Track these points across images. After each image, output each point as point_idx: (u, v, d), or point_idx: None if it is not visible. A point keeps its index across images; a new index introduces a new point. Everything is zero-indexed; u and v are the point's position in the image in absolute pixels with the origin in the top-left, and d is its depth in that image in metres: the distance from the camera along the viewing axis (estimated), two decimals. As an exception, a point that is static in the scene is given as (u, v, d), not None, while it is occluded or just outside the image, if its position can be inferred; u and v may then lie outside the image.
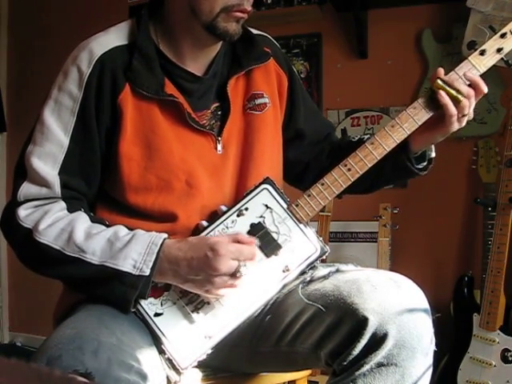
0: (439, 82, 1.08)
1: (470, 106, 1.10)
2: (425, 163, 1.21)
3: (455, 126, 1.11)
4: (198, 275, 1.00)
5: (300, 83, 1.30)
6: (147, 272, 0.99)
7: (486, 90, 1.10)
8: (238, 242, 1.02)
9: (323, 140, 1.32)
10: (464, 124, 1.13)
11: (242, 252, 1.00)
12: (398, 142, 1.10)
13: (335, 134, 1.37)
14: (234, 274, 1.00)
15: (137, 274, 0.99)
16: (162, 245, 1.01)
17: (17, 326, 3.29)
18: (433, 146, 1.20)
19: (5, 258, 3.27)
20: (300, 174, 1.32)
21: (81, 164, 1.08)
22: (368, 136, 1.25)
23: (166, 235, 1.03)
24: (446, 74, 1.10)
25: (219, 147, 1.13)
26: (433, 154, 1.21)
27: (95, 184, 1.11)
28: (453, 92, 1.07)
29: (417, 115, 1.10)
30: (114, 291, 1.00)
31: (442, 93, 1.08)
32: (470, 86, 1.09)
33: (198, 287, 1.02)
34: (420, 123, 1.10)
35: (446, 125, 1.11)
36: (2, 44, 3.30)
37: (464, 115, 1.10)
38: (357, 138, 1.29)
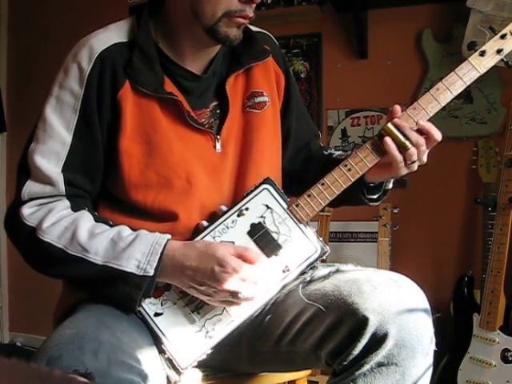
0: (389, 125, 1.05)
1: (420, 154, 1.06)
2: (380, 193, 1.19)
3: (403, 171, 1.08)
4: (200, 285, 1.00)
5: (295, 85, 1.30)
6: (151, 272, 0.99)
7: (439, 138, 1.06)
8: (244, 257, 1.01)
9: (303, 147, 1.32)
10: (415, 169, 1.09)
11: (248, 276, 0.99)
12: (370, 166, 1.08)
13: (318, 141, 1.36)
14: (235, 293, 0.99)
15: (141, 274, 0.99)
16: (165, 245, 1.01)
17: (17, 326, 3.29)
18: (391, 179, 1.18)
19: (5, 258, 3.27)
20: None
21: (84, 161, 1.08)
22: (340, 152, 1.24)
23: (169, 236, 1.03)
24: (446, 74, 1.09)
25: (218, 146, 1.13)
26: (389, 186, 1.20)
27: (98, 181, 1.11)
28: (401, 138, 1.05)
29: (417, 116, 1.09)
30: (118, 291, 1.00)
31: (387, 139, 1.05)
32: (419, 132, 1.06)
33: (201, 295, 1.02)
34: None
35: (393, 169, 1.08)
36: (2, 44, 3.30)
37: (413, 162, 1.07)
38: (328, 152, 1.26)
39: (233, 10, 1.05)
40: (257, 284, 1.01)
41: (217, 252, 1.00)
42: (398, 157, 1.05)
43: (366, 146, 1.08)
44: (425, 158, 1.08)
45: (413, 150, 1.05)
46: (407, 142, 1.05)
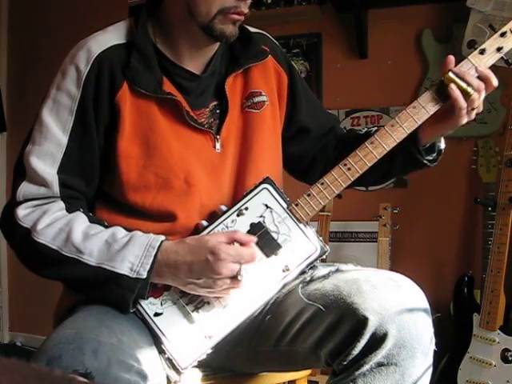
0: (450, 74, 1.08)
1: (479, 100, 1.09)
2: (434, 154, 1.20)
3: (464, 119, 1.11)
4: (199, 279, 1.00)
5: (301, 79, 1.30)
6: (144, 275, 0.99)
7: (496, 83, 1.09)
8: (236, 240, 1.02)
9: (327, 133, 1.32)
10: (473, 117, 1.13)
11: (242, 255, 1.00)
12: (398, 141, 1.10)
13: (340, 126, 1.38)
14: (235, 277, 1.00)
15: (134, 276, 0.99)
16: (159, 247, 1.01)
17: (17, 326, 3.29)
18: (442, 138, 1.20)
19: (5, 258, 3.27)
20: (306, 168, 1.32)
21: (80, 163, 1.08)
22: (376, 128, 1.25)
23: (163, 237, 1.03)
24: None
25: (218, 146, 1.13)
26: (442, 146, 1.21)
27: (94, 183, 1.11)
28: (463, 85, 1.07)
29: (416, 114, 1.09)
30: (111, 293, 1.00)
31: (453, 86, 1.07)
32: (480, 78, 1.09)
33: (200, 290, 1.02)
34: (420, 122, 1.10)
35: (455, 118, 1.10)
36: (2, 44, 3.30)
37: (473, 108, 1.10)
38: (364, 131, 1.29)
39: (227, 6, 1.06)
40: (254, 260, 1.01)
41: (208, 242, 1.01)
42: (463, 102, 1.08)
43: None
44: (481, 106, 1.12)
45: (475, 95, 1.08)
46: (469, 88, 1.07)
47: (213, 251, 0.99)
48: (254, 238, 1.05)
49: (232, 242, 1.01)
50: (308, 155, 1.31)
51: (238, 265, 0.99)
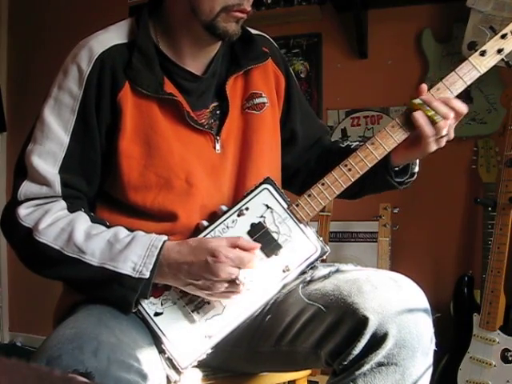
0: (417, 100, 1.06)
1: (450, 127, 1.07)
2: (406, 176, 1.20)
3: (432, 147, 1.09)
4: (197, 280, 1.00)
5: (297, 85, 1.30)
6: (147, 275, 0.99)
7: (465, 111, 1.07)
8: (239, 246, 1.01)
9: (314, 144, 1.32)
10: (443, 144, 1.10)
11: (242, 260, 1.00)
12: (399, 142, 1.09)
13: (328, 137, 1.37)
14: (233, 281, 1.00)
15: (136, 276, 0.99)
16: (161, 247, 1.01)
17: (17, 326, 3.29)
18: (417, 161, 1.19)
19: (5, 258, 3.27)
20: (289, 178, 1.32)
21: (81, 162, 1.08)
22: (357, 143, 1.25)
23: (165, 237, 1.03)
24: (446, 74, 1.09)
25: (218, 146, 1.13)
26: (416, 169, 1.20)
27: (96, 182, 1.11)
28: (429, 113, 1.05)
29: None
30: (113, 293, 1.00)
31: (418, 113, 1.05)
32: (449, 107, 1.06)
33: (199, 291, 1.02)
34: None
35: (422, 145, 1.08)
36: (1, 44, 3.30)
37: (442, 136, 1.08)
38: (345, 144, 1.28)
39: (230, 4, 1.06)
40: (252, 267, 1.01)
41: (209, 244, 1.01)
42: (430, 130, 1.06)
43: (374, 140, 1.08)
44: (452, 133, 1.09)
45: (442, 123, 1.06)
46: (436, 116, 1.05)
47: (213, 253, 0.99)
48: (258, 245, 1.05)
49: (234, 247, 1.01)
50: (293, 167, 1.31)
51: (237, 269, 0.99)
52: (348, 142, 1.30)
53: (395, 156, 1.13)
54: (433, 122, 1.05)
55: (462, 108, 1.07)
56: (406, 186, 1.22)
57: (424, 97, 1.07)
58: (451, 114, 1.06)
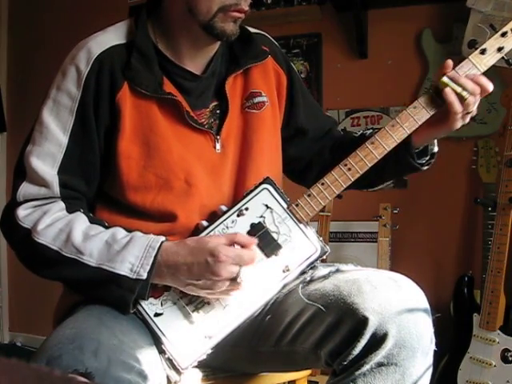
0: (445, 79, 1.07)
1: (474, 104, 1.09)
2: (427, 157, 1.20)
3: (459, 123, 1.11)
4: (198, 280, 1.00)
5: (300, 81, 1.30)
6: (144, 276, 0.99)
7: (491, 87, 1.09)
8: (237, 243, 1.01)
9: (325, 135, 1.32)
10: (467, 121, 1.12)
11: (241, 257, 1.00)
12: (399, 141, 1.09)
13: (337, 129, 1.37)
14: (234, 279, 1.00)
15: (134, 277, 0.99)
16: (159, 248, 1.01)
17: (17, 326, 3.29)
18: (435, 141, 1.20)
19: (5, 258, 3.27)
20: (303, 170, 1.32)
21: (80, 163, 1.08)
22: (370, 130, 1.24)
23: (163, 238, 1.03)
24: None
25: (218, 146, 1.13)
26: (435, 149, 1.21)
27: (94, 183, 1.11)
28: (458, 89, 1.07)
29: (417, 114, 1.09)
30: (111, 294, 1.00)
31: (448, 90, 1.07)
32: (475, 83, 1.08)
33: (199, 291, 1.02)
34: (420, 123, 1.10)
35: (449, 121, 1.10)
36: (1, 44, 3.30)
37: (468, 112, 1.10)
38: (359, 133, 1.28)
39: (227, 4, 1.05)
40: (253, 263, 1.01)
41: (208, 244, 1.00)
42: (459, 107, 1.07)
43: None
44: (476, 110, 1.11)
45: (471, 99, 1.07)
46: (464, 92, 1.06)
47: (212, 253, 0.99)
48: (255, 240, 1.05)
49: (232, 244, 1.01)
50: (305, 158, 1.31)
51: (238, 267, 0.99)
52: (362, 131, 1.30)
53: (417, 137, 1.14)
54: (461, 99, 1.07)
55: (488, 84, 1.08)
56: (427, 167, 1.22)
57: (451, 74, 1.07)
58: (478, 90, 1.07)
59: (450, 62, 1.09)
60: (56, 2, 3.15)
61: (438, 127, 1.13)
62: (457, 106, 1.07)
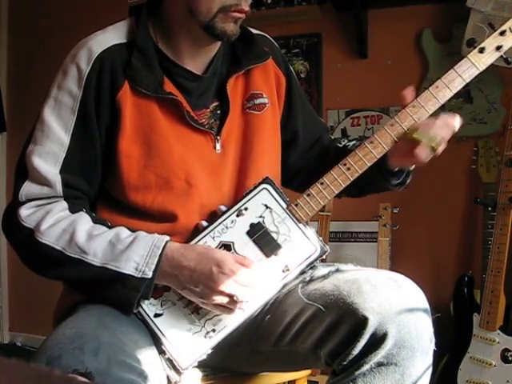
0: (415, 135, 1.06)
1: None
2: (403, 175, 1.19)
3: (427, 160, 1.09)
4: (196, 287, 1.00)
5: (298, 84, 1.30)
6: (149, 275, 0.99)
7: (458, 125, 1.09)
8: (244, 264, 1.01)
9: (315, 143, 1.32)
10: (439, 152, 1.10)
11: (244, 277, 1.00)
12: (398, 140, 1.09)
13: (328, 135, 1.36)
14: (231, 297, 1.00)
15: (139, 276, 0.99)
16: (164, 247, 1.01)
17: (17, 325, 3.29)
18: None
19: (5, 258, 3.27)
20: (290, 177, 1.32)
21: (82, 162, 1.08)
22: (354, 142, 1.25)
23: (168, 237, 1.03)
24: (445, 72, 1.09)
25: (218, 146, 1.13)
26: (411, 167, 1.20)
27: (96, 182, 1.11)
28: (430, 143, 1.06)
29: (416, 114, 1.09)
30: (115, 293, 1.00)
31: (420, 150, 1.06)
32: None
33: (195, 297, 1.02)
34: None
35: (417, 160, 1.09)
36: (2, 44, 3.30)
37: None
38: (343, 144, 1.28)
39: (228, 4, 1.05)
40: (254, 289, 1.01)
41: (216, 254, 1.01)
42: (427, 156, 1.08)
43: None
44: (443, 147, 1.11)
45: (441, 147, 1.08)
46: (434, 143, 1.06)
47: (219, 264, 0.99)
48: (260, 267, 1.04)
49: (239, 263, 1.01)
50: (294, 168, 1.31)
51: (238, 287, 0.99)
52: (345, 142, 1.29)
53: (393, 160, 1.13)
54: (433, 150, 1.07)
55: (455, 124, 1.08)
56: (403, 186, 1.22)
57: (417, 126, 1.07)
58: (449, 134, 1.08)
59: (408, 94, 1.09)
60: (56, 2, 3.15)
61: (409, 159, 1.11)
62: (425, 158, 1.07)
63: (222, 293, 0.99)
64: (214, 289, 0.99)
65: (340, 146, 1.27)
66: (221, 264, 0.99)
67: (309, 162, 1.31)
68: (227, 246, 1.07)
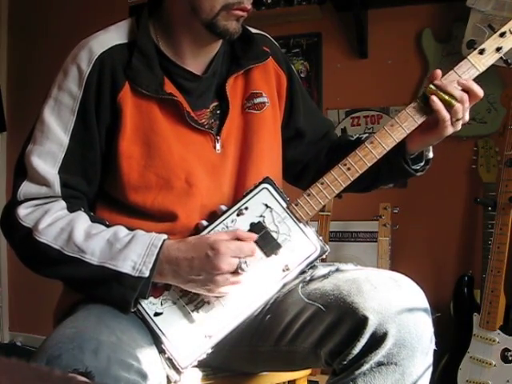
0: (431, 86, 1.07)
1: (464, 111, 1.08)
2: (422, 163, 1.20)
3: (449, 130, 1.10)
4: (199, 275, 1.00)
5: (299, 82, 1.30)
6: (146, 274, 0.99)
7: (481, 94, 1.08)
8: (237, 238, 1.02)
9: (322, 139, 1.32)
10: (459, 128, 1.11)
11: (241, 249, 1.01)
12: (398, 141, 1.09)
13: (334, 131, 1.37)
14: (235, 271, 1.00)
15: (136, 275, 0.99)
16: (161, 246, 1.01)
17: (17, 325, 3.29)
18: (430, 147, 1.19)
19: (5, 258, 3.27)
20: (298, 173, 1.32)
21: (81, 163, 1.08)
22: (366, 134, 1.25)
23: (165, 236, 1.03)
24: (445, 73, 1.09)
25: (218, 146, 1.13)
26: (430, 155, 1.21)
27: (95, 183, 1.11)
28: (445, 97, 1.06)
29: (416, 115, 1.09)
30: (112, 292, 1.00)
31: (434, 98, 1.06)
32: (463, 89, 1.08)
33: (200, 287, 1.02)
34: (419, 122, 1.10)
35: (439, 129, 1.09)
36: (2, 44, 3.30)
37: (458, 119, 1.09)
38: (355, 137, 1.29)
39: (231, 2, 1.06)
40: (253, 254, 1.02)
41: (208, 239, 1.01)
42: (446, 114, 1.07)
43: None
44: (467, 116, 1.11)
45: (458, 107, 1.07)
46: (452, 100, 1.06)
47: (213, 246, 0.99)
48: (255, 236, 1.05)
49: (233, 239, 1.02)
50: (302, 161, 1.31)
51: (237, 259, 1.00)
52: (358, 135, 1.30)
53: (411, 143, 1.14)
54: (449, 106, 1.07)
55: (478, 90, 1.08)
56: (421, 173, 1.22)
57: (438, 82, 1.08)
58: (466, 97, 1.07)
59: (438, 72, 1.09)
60: (56, 2, 3.15)
61: (429, 134, 1.12)
62: (444, 113, 1.07)
63: (224, 272, 0.99)
64: (215, 270, 0.99)
65: (352, 138, 1.28)
66: (214, 246, 0.99)
67: (317, 158, 1.31)
68: (227, 246, 1.07)
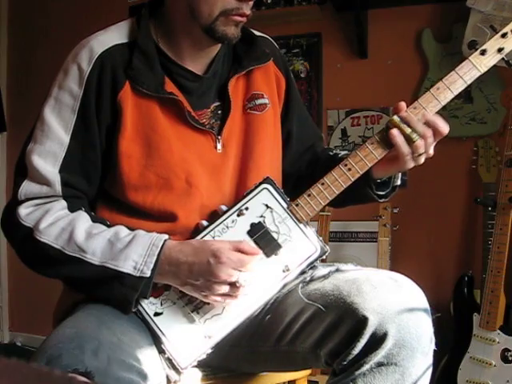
0: (395, 118, 1.05)
1: (427, 146, 1.05)
2: (388, 189, 1.18)
3: (410, 165, 1.08)
4: (197, 280, 1.00)
5: (296, 88, 1.30)
6: (148, 273, 0.99)
7: (445, 131, 1.05)
8: (241, 250, 1.02)
9: (307, 149, 1.31)
10: (422, 161, 1.08)
11: (242, 262, 1.00)
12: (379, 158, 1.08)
13: (321, 144, 1.36)
14: (233, 284, 1.00)
15: (137, 275, 0.99)
16: (162, 246, 1.01)
17: (17, 326, 3.29)
18: (399, 174, 1.18)
19: (5, 257, 3.27)
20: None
21: (81, 162, 1.08)
22: (345, 151, 1.24)
23: (166, 236, 1.03)
24: (446, 74, 1.09)
25: (219, 146, 1.14)
26: (398, 182, 1.19)
27: (96, 182, 1.11)
28: (407, 130, 1.04)
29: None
30: (114, 292, 1.00)
31: (394, 131, 1.04)
32: (427, 125, 1.05)
33: (196, 291, 1.02)
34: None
35: (400, 162, 1.07)
36: (2, 44, 3.30)
37: (420, 154, 1.06)
38: (333, 152, 1.27)
39: (229, 8, 1.05)
40: (252, 270, 1.01)
41: (212, 246, 1.01)
42: (406, 149, 1.04)
43: (373, 140, 1.07)
44: (431, 151, 1.08)
45: (420, 143, 1.04)
46: (414, 134, 1.04)
47: (215, 254, 0.99)
48: (259, 251, 1.05)
49: (237, 250, 1.01)
50: (285, 172, 1.29)
51: (237, 272, 0.99)
52: (336, 151, 1.28)
53: (375, 169, 1.12)
54: (410, 141, 1.04)
55: (443, 128, 1.05)
56: (385, 199, 1.20)
57: (402, 114, 1.05)
58: (429, 133, 1.05)
59: (402, 104, 1.06)
60: (56, 3, 3.15)
61: (391, 165, 1.10)
62: (403, 149, 1.04)
63: (222, 282, 0.99)
64: (214, 279, 0.99)
65: (331, 153, 1.27)
66: (217, 254, 0.99)
67: (300, 168, 1.30)
68: (227, 246, 1.07)
